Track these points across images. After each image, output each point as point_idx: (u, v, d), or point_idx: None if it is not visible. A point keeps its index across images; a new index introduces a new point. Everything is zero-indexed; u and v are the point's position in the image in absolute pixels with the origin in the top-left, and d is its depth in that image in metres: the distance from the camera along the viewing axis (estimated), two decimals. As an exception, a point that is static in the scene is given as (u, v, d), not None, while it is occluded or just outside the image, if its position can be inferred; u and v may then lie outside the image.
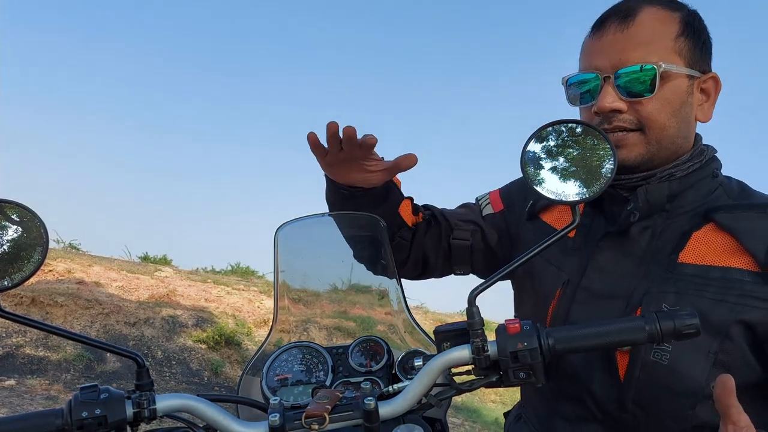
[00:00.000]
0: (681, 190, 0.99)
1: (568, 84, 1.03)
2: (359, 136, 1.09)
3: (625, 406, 0.94)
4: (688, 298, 0.91)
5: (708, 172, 1.01)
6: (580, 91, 1.02)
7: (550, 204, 1.17)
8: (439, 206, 1.37)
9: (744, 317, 0.88)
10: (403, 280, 1.20)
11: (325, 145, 1.13)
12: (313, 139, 1.13)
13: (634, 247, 1.00)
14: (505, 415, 1.28)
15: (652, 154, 0.98)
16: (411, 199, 1.31)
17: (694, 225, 0.97)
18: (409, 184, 1.31)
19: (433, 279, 1.37)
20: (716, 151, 1.04)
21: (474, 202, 1.36)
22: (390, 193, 1.25)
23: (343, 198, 1.22)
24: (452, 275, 1.35)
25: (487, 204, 1.31)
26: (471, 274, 1.34)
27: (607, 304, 0.99)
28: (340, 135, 1.09)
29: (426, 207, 1.35)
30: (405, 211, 1.28)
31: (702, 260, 0.93)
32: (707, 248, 0.94)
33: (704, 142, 1.06)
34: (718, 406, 0.75)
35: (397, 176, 1.26)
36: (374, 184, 1.20)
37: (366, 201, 1.22)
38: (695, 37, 0.98)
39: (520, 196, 1.26)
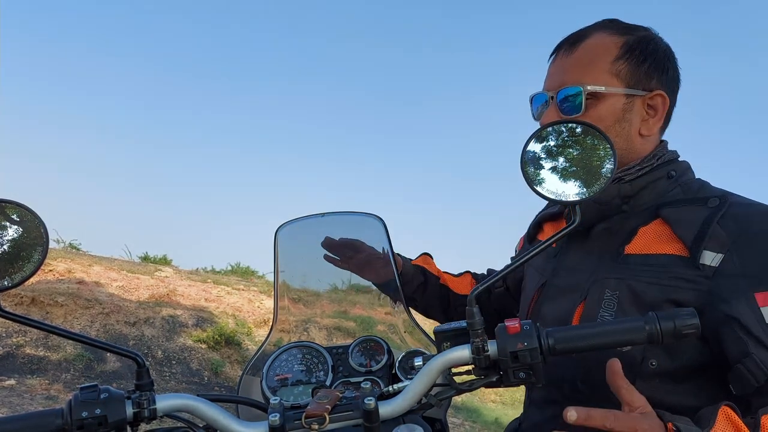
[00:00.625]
0: (634, 192, 1.06)
1: (532, 101, 1.14)
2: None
3: (576, 386, 1.02)
4: (626, 282, 0.99)
5: (662, 174, 1.08)
6: (535, 109, 1.14)
7: (545, 220, 1.29)
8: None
9: (674, 297, 0.95)
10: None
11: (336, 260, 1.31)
12: (329, 259, 1.30)
13: (593, 245, 1.09)
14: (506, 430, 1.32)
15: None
16: (469, 272, 1.52)
17: (643, 221, 1.05)
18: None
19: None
20: (677, 156, 1.12)
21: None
22: (426, 278, 1.43)
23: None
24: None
25: (516, 251, 1.44)
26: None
27: (566, 297, 1.08)
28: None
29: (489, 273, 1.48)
30: (461, 287, 1.46)
31: (644, 250, 1.02)
32: (649, 239, 1.02)
33: (670, 148, 1.13)
34: (613, 389, 0.83)
35: (430, 256, 1.48)
36: (382, 281, 1.32)
37: (408, 290, 1.41)
38: (638, 59, 1.06)
39: (534, 229, 1.35)
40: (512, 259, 1.38)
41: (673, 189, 1.07)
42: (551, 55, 1.13)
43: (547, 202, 1.08)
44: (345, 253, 1.30)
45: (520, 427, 1.20)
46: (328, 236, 1.27)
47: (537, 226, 1.31)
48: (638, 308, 0.97)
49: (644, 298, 0.97)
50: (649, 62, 1.07)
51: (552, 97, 1.08)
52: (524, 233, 1.41)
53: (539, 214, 1.32)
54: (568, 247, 1.14)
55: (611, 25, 1.10)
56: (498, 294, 1.42)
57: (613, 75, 1.06)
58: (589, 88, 1.04)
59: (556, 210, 1.27)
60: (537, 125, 1.15)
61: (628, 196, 1.06)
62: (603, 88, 1.05)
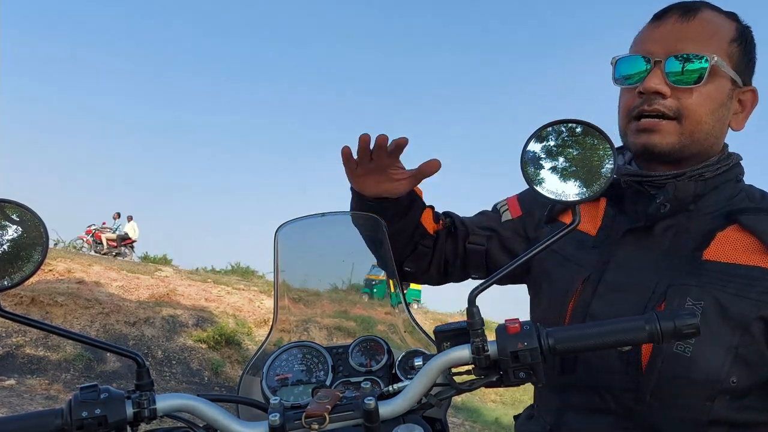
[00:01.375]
0: (706, 191, 1.02)
1: (617, 64, 1.07)
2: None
3: (642, 398, 0.96)
4: (711, 292, 0.93)
5: (732, 176, 1.05)
6: (627, 72, 1.05)
7: (569, 207, 1.16)
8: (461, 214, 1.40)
9: (765, 313, 0.91)
10: (423, 286, 1.22)
11: (356, 157, 1.19)
12: (346, 153, 1.19)
13: (657, 244, 1.03)
14: (516, 417, 1.29)
15: (683, 145, 1.01)
16: (432, 207, 1.34)
17: (717, 225, 1.00)
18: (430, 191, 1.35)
19: (451, 284, 1.40)
20: (741, 158, 1.08)
21: (492, 209, 1.37)
22: (413, 202, 1.28)
23: (369, 209, 1.25)
24: (470, 280, 1.37)
25: (505, 210, 1.33)
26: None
27: (629, 297, 1.00)
28: (371, 146, 1.15)
29: (446, 214, 1.37)
30: (426, 220, 1.32)
31: (726, 258, 0.96)
32: (731, 247, 0.97)
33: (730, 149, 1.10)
34: None
35: (419, 186, 1.29)
36: (400, 193, 1.23)
37: (392, 211, 1.25)
38: (746, 48, 1.03)
39: (535, 204, 1.28)
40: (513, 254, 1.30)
41: (738, 194, 1.04)
42: (651, 21, 1.05)
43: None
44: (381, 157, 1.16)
45: (556, 429, 1.13)
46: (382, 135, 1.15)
47: (559, 211, 1.21)
48: (726, 323, 0.91)
49: (732, 312, 0.92)
50: (752, 55, 1.05)
51: (658, 62, 1.00)
52: (515, 195, 1.33)
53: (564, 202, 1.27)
54: (622, 241, 1.06)
55: (716, 7, 1.04)
56: (476, 251, 1.30)
57: (727, 56, 1.01)
58: (715, 59, 0.98)
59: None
60: (616, 91, 1.10)
61: (699, 195, 1.01)
62: (724, 65, 0.99)
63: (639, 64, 1.03)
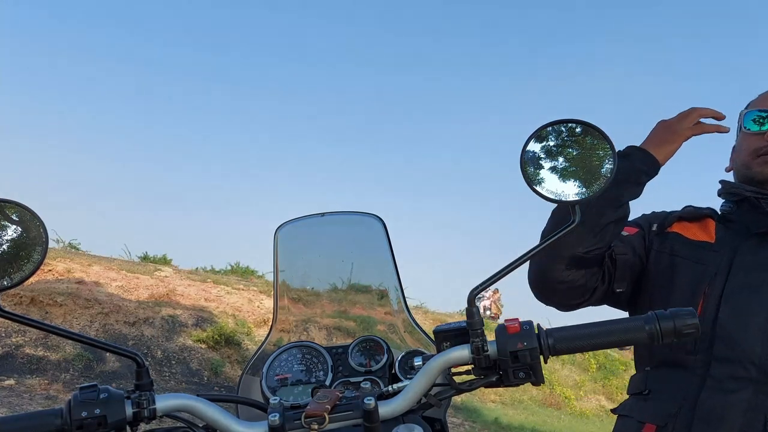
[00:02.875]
0: None
1: (745, 116, 1.34)
2: None
3: None
4: None
5: None
6: (754, 123, 1.32)
7: (682, 218, 1.36)
8: None
9: None
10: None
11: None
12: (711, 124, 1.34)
13: None
14: (616, 410, 1.33)
15: None
16: None
17: None
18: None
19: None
20: None
21: None
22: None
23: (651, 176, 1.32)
24: (604, 303, 1.40)
25: (623, 235, 1.40)
26: (612, 304, 1.40)
27: (759, 290, 1.19)
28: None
29: None
30: None
31: None
32: None
33: None
34: None
35: None
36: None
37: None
38: None
39: (643, 221, 1.41)
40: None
41: None
42: None
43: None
44: None
45: (690, 402, 1.18)
46: None
47: (672, 220, 1.36)
48: None
49: None
50: None
51: None
52: (640, 217, 1.42)
53: (676, 212, 1.37)
54: (746, 245, 1.25)
55: None
56: (624, 261, 1.34)
57: None
58: None
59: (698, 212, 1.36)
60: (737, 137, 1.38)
61: None
62: None
63: (765, 117, 1.31)
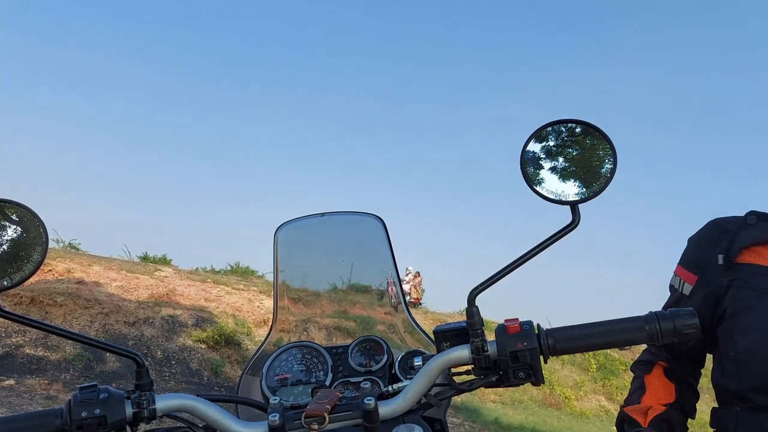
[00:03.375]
0: None
1: None
2: None
3: None
4: None
5: None
6: None
7: (747, 244, 1.21)
8: None
9: None
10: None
11: None
12: None
13: None
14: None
15: None
16: None
17: None
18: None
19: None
20: None
21: (671, 292, 1.36)
22: None
23: None
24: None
25: (682, 284, 1.31)
26: None
27: None
28: None
29: None
30: None
31: None
32: None
33: None
34: None
35: None
36: None
37: None
38: None
39: (703, 256, 1.28)
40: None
41: None
42: None
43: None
44: None
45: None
46: None
47: (738, 250, 1.22)
48: None
49: None
50: None
51: None
52: (677, 264, 1.33)
53: (737, 241, 1.23)
54: None
55: None
56: (692, 343, 1.28)
57: None
58: None
59: (763, 235, 1.21)
60: None
61: None
62: None
63: None
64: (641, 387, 1.31)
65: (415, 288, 15.80)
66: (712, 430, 1.24)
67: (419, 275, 16.08)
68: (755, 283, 1.18)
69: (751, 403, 1.15)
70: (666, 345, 1.27)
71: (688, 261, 1.30)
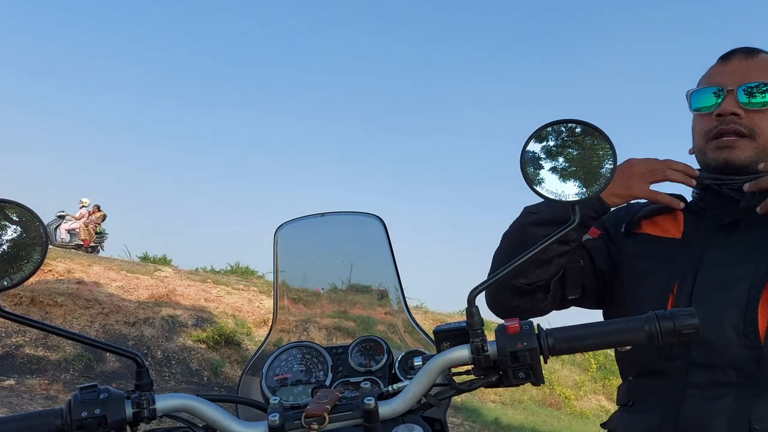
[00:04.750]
0: None
1: (693, 96, 1.26)
2: None
3: (765, 366, 1.08)
4: None
5: None
6: (703, 101, 1.24)
7: (649, 215, 1.29)
8: None
9: None
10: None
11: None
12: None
13: (746, 237, 1.16)
14: (605, 425, 1.29)
15: (758, 158, 1.19)
16: None
17: None
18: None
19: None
20: None
21: None
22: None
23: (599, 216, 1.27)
24: (563, 308, 1.36)
25: (586, 238, 1.34)
26: (578, 305, 1.37)
27: (731, 288, 1.12)
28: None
29: None
30: None
31: None
32: None
33: None
34: None
35: None
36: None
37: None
38: None
39: (612, 219, 1.35)
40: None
41: None
42: (719, 61, 1.27)
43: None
44: None
45: (673, 412, 1.15)
46: None
47: (638, 221, 1.29)
48: None
49: None
50: None
51: (731, 90, 1.20)
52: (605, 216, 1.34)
53: (641, 212, 1.30)
54: (712, 238, 1.18)
55: None
56: (574, 268, 1.30)
57: None
58: None
59: (656, 206, 1.27)
60: (689, 118, 1.27)
61: None
62: None
63: (713, 94, 1.23)
64: None
65: (87, 228, 12.10)
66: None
67: (99, 210, 12.53)
68: (646, 252, 1.25)
69: (638, 370, 1.22)
70: None
71: (598, 223, 1.34)
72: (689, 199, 1.30)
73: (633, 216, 1.31)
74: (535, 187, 0.82)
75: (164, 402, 0.78)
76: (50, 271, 7.93)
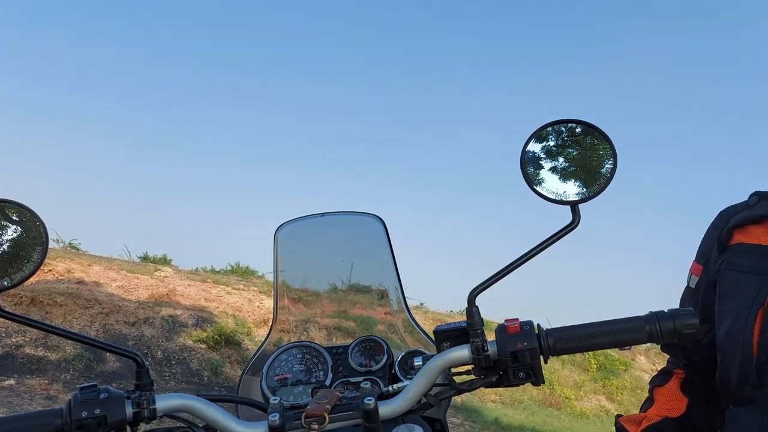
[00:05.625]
0: None
1: None
2: None
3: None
4: None
5: None
6: None
7: (740, 224, 1.16)
8: None
9: None
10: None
11: None
12: None
13: None
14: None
15: None
16: None
17: None
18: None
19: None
20: None
21: (685, 288, 1.32)
22: None
23: None
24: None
25: (690, 277, 1.28)
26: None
27: None
28: None
29: None
30: None
31: None
32: None
33: None
34: None
35: None
36: None
37: None
38: None
39: (708, 245, 1.25)
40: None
41: None
42: None
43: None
44: None
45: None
46: None
47: (729, 232, 1.18)
48: None
49: None
50: None
51: None
52: (693, 260, 1.27)
53: (731, 222, 1.18)
54: None
55: None
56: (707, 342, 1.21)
57: None
58: None
59: (756, 212, 1.15)
60: None
61: None
62: None
63: None
64: (649, 400, 1.26)
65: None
66: None
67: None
68: (738, 263, 1.13)
69: (734, 398, 1.10)
70: (684, 350, 1.22)
71: (698, 253, 1.27)
72: None
73: (723, 228, 1.19)
74: (535, 187, 0.82)
75: (164, 402, 0.78)
76: (50, 271, 7.93)
